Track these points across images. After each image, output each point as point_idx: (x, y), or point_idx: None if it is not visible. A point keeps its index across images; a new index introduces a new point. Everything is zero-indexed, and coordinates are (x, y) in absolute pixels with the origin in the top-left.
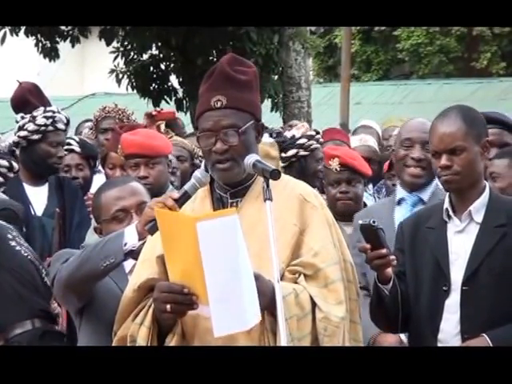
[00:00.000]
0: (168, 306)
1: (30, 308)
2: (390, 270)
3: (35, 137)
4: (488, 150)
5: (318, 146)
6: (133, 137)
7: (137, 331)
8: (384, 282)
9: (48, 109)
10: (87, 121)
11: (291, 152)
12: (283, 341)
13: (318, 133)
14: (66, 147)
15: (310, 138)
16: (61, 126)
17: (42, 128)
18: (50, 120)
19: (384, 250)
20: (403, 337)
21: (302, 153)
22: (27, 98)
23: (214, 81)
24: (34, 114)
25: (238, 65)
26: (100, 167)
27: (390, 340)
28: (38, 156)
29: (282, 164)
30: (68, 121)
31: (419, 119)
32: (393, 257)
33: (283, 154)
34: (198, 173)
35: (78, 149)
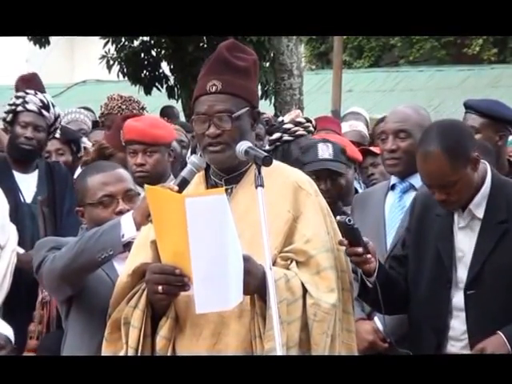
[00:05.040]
0: (160, 288)
1: None
2: (369, 266)
3: (9, 118)
4: (478, 162)
5: (305, 133)
6: (135, 123)
7: (131, 314)
8: (367, 275)
9: (22, 90)
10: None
11: (276, 135)
12: (275, 325)
13: (309, 121)
14: None
15: (298, 124)
16: (31, 107)
17: (13, 107)
18: (20, 100)
19: (360, 249)
20: (379, 325)
21: (286, 138)
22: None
23: (212, 65)
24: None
25: (238, 51)
26: None
27: (365, 327)
28: (12, 138)
29: (268, 147)
30: (45, 104)
31: (397, 109)
32: (369, 255)
33: (269, 137)
34: (193, 158)
35: (56, 134)
